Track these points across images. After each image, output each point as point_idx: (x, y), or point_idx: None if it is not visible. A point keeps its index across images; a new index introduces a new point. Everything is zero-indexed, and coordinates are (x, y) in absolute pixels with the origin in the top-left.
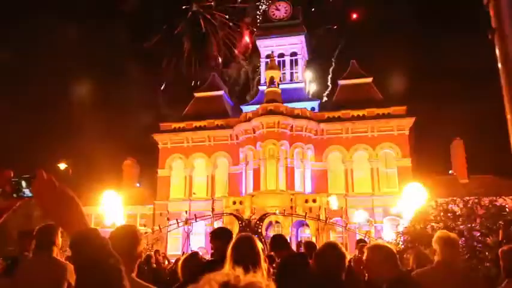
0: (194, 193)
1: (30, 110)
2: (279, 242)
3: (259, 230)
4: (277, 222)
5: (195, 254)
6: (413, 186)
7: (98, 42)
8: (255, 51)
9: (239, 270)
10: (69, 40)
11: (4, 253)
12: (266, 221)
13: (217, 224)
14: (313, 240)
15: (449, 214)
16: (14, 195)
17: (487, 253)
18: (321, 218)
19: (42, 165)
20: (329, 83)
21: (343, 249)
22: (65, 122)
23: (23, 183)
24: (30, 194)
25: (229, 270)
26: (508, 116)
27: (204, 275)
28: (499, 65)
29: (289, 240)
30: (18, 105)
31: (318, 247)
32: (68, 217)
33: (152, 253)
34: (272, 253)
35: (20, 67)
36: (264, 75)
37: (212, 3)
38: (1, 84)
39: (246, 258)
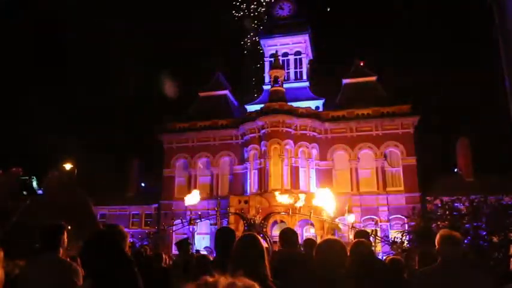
0: (200, 193)
1: (34, 110)
2: (287, 238)
3: (264, 230)
4: (282, 221)
5: (203, 256)
6: None
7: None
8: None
9: (220, 275)
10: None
11: (13, 254)
12: (271, 221)
13: (222, 224)
14: (318, 239)
15: (454, 213)
16: (24, 192)
17: (495, 253)
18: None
19: (48, 165)
20: (333, 82)
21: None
22: (70, 122)
23: (34, 182)
24: (40, 192)
25: (230, 271)
26: None
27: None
28: (503, 61)
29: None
30: (22, 104)
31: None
32: (79, 218)
33: (161, 252)
34: (277, 250)
35: (24, 65)
36: (268, 74)
37: None
38: (5, 83)
39: (250, 257)
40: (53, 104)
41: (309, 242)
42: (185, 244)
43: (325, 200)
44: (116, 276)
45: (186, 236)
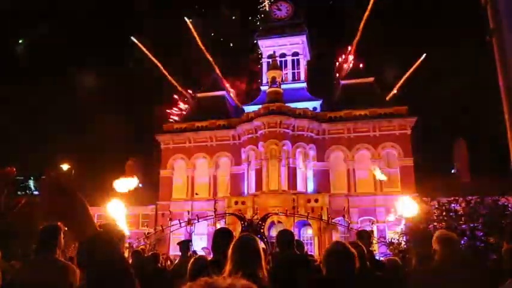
0: (197, 193)
1: (31, 110)
2: (284, 240)
3: (262, 230)
4: (279, 222)
5: (201, 257)
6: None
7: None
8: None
9: (219, 276)
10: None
11: (8, 254)
12: (268, 221)
13: (219, 225)
14: (316, 240)
15: (451, 214)
16: (19, 192)
17: (492, 253)
18: (323, 218)
19: (45, 166)
20: (331, 83)
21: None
22: (68, 122)
23: (31, 182)
24: (36, 193)
25: (227, 272)
26: (506, 116)
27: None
28: (497, 65)
29: None
30: (20, 105)
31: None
32: (77, 220)
33: (158, 252)
34: (274, 252)
35: (23, 65)
36: (266, 75)
37: None
38: (3, 83)
39: (247, 258)
40: (51, 104)
41: (299, 243)
42: (185, 245)
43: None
44: (111, 277)
45: (183, 236)
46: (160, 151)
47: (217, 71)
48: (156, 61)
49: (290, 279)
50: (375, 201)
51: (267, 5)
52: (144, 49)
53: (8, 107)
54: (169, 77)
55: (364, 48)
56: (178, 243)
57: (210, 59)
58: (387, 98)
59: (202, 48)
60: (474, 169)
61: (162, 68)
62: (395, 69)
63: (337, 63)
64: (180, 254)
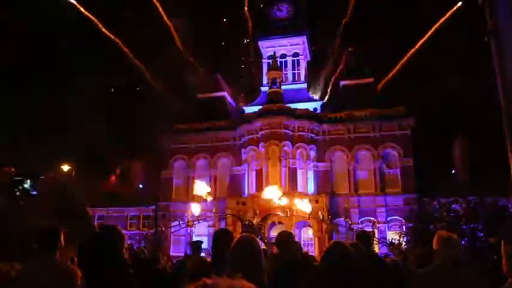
0: (197, 194)
1: (32, 110)
2: (283, 241)
3: (262, 231)
4: (280, 222)
5: (201, 258)
6: None
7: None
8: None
9: (219, 278)
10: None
11: (7, 255)
12: (268, 222)
13: (219, 225)
14: (316, 241)
15: (452, 214)
16: (18, 193)
17: (492, 254)
18: (323, 219)
19: (46, 166)
20: (331, 84)
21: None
22: (68, 122)
23: (28, 183)
24: (34, 193)
25: (227, 273)
26: (504, 117)
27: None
28: (495, 67)
29: None
30: (19, 105)
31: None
32: (76, 220)
33: (160, 254)
34: (273, 255)
35: (22, 66)
36: (266, 76)
37: None
38: (3, 84)
39: (247, 259)
40: (51, 104)
41: (297, 245)
42: (196, 245)
43: None
44: (110, 277)
45: (183, 237)
46: (161, 152)
47: (202, 71)
48: (97, 22)
49: (290, 280)
50: (375, 202)
51: (248, 18)
52: (83, 10)
53: (8, 107)
54: (126, 50)
55: (365, 47)
56: (189, 243)
57: (192, 59)
58: (381, 86)
59: (180, 48)
60: (474, 169)
61: (117, 40)
62: (396, 68)
63: (336, 60)
64: (190, 254)
